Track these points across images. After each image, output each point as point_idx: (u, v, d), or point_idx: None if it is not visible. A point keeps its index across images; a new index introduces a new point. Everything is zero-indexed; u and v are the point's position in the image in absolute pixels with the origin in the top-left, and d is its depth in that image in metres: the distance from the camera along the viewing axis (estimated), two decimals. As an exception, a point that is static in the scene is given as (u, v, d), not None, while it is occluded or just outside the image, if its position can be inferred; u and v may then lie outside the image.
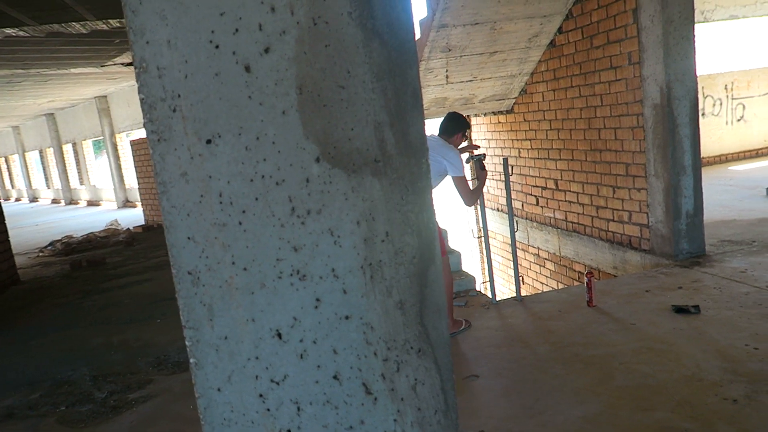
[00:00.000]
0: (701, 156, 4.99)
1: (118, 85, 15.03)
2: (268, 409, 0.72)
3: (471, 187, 3.97)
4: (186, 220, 0.69)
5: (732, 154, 10.42)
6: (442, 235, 4.01)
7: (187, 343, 0.72)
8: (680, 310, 3.89)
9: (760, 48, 10.51)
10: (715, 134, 10.18)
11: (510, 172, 4.60)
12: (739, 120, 10.47)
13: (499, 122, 7.85)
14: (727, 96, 10.33)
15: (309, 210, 0.71)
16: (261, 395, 0.72)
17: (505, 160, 4.56)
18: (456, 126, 4.01)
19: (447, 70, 6.33)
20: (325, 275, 0.74)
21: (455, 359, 3.65)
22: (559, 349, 3.60)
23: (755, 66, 10.45)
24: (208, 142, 0.69)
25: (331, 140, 0.72)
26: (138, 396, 3.75)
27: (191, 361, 0.73)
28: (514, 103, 7.38)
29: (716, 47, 9.96)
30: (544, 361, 3.46)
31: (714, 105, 10.27)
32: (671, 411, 2.73)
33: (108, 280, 7.34)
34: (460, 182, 3.85)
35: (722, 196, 7.37)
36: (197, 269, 0.71)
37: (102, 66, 11.19)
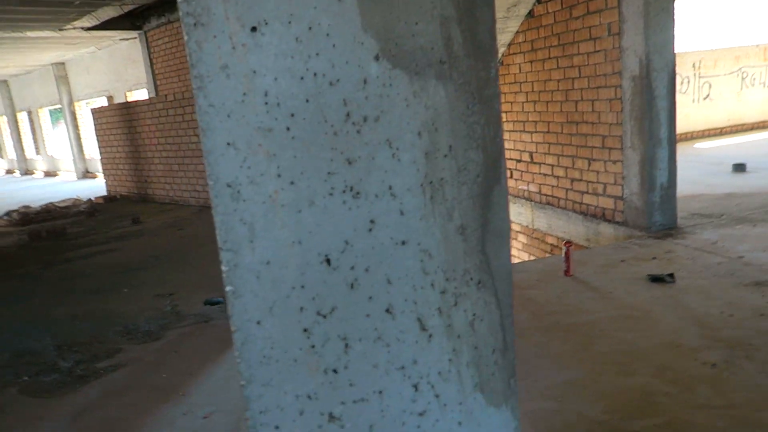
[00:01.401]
0: (674, 130, 5.03)
1: (77, 51, 14.37)
2: (313, 346, 0.63)
3: None
4: (226, 122, 0.59)
5: (698, 131, 10.64)
6: None
7: (223, 268, 0.62)
8: (656, 279, 3.93)
9: (727, 28, 10.69)
10: (682, 111, 10.34)
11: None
12: (705, 98, 10.67)
13: (474, 94, 7.79)
14: (695, 74, 10.51)
15: (366, 116, 0.62)
16: (305, 330, 0.63)
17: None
18: None
19: (424, 38, 6.21)
20: (381, 193, 0.64)
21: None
22: (539, 317, 3.60)
23: (722, 46, 10.64)
24: (253, 29, 0.58)
25: (393, 35, 0.63)
26: (107, 365, 3.61)
27: (227, 288, 0.63)
28: (489, 75, 7.31)
29: (686, 25, 10.08)
30: (525, 329, 3.46)
31: (682, 83, 10.42)
32: (652, 375, 2.75)
33: (70, 250, 7.07)
34: None
35: (690, 172, 7.51)
36: (238, 181, 0.60)
37: (60, 30, 10.64)
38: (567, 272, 4.24)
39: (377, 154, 0.63)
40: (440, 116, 0.65)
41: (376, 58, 0.61)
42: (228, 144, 0.60)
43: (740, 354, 2.85)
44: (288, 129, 0.62)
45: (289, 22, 0.60)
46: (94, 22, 10.08)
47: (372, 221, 0.65)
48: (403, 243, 0.67)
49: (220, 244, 0.63)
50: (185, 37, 0.58)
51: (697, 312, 3.39)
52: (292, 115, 0.62)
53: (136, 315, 4.44)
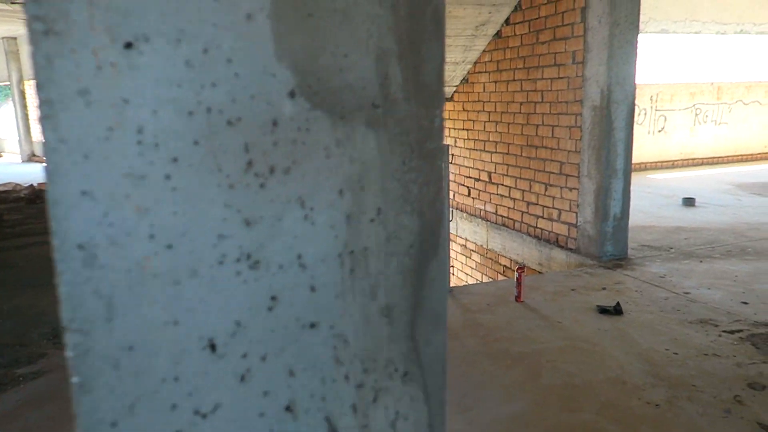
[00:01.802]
0: (630, 161, 5.08)
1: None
2: (188, 456, 0.49)
3: None
4: (82, 165, 0.43)
5: (651, 162, 10.90)
6: None
7: (68, 353, 0.47)
8: (604, 310, 3.93)
9: (684, 64, 11.01)
10: (638, 142, 10.55)
11: (450, 159, 4.48)
12: (660, 131, 10.95)
13: (437, 109, 7.75)
14: (652, 107, 10.77)
15: (273, 167, 0.49)
16: (178, 433, 0.48)
17: (447, 146, 4.42)
18: None
19: (391, 49, 6.12)
20: (287, 264, 0.51)
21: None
22: (488, 343, 3.53)
23: (679, 81, 10.96)
24: (128, 46, 0.43)
25: (315, 68, 0.50)
26: (27, 371, 3.35)
27: (74, 380, 0.48)
28: (454, 92, 7.28)
29: (645, 58, 10.33)
30: (473, 355, 3.38)
31: (639, 114, 10.67)
32: (596, 413, 2.70)
33: (3, 239, 6.65)
34: None
35: (642, 202, 7.64)
36: (94, 242, 0.45)
37: (12, 3, 10.11)
38: (518, 298, 4.19)
39: (285, 214, 0.49)
40: (369, 172, 0.52)
41: (291, 94, 0.47)
42: (83, 193, 0.45)
43: (683, 395, 2.84)
44: (168, 177, 0.46)
45: (179, 41, 0.45)
46: None
47: (273, 298, 0.50)
48: (312, 325, 0.52)
49: (65, 323, 0.48)
50: (30, 48, 0.43)
51: (643, 347, 3.37)
52: (175, 159, 0.46)
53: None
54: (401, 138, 0.52)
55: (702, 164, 11.28)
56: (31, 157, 15.89)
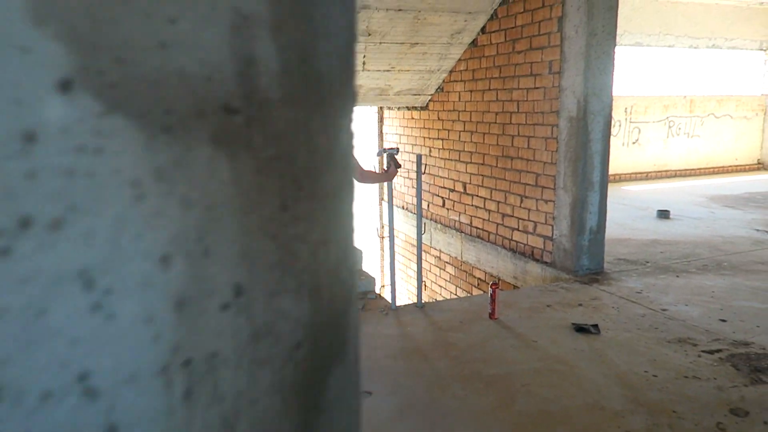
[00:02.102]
0: (607, 173, 4.98)
1: None
2: None
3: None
4: None
5: (625, 174, 10.91)
6: None
7: None
8: (580, 329, 3.79)
9: (657, 77, 11.08)
10: (612, 154, 10.52)
11: (424, 170, 4.32)
12: (634, 143, 10.98)
13: (413, 118, 7.61)
14: (626, 119, 10.80)
15: (27, 219, 0.27)
16: None
17: (419, 156, 4.27)
18: None
19: (365, 56, 5.97)
20: (58, 390, 0.29)
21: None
22: (460, 364, 3.36)
23: (653, 93, 11.01)
24: None
25: (112, 40, 0.29)
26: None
27: None
28: (429, 100, 7.15)
29: (621, 71, 10.35)
30: (444, 377, 3.20)
31: (614, 126, 10.68)
32: (574, 443, 2.54)
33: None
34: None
35: (617, 214, 7.58)
36: None
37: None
38: (492, 315, 4.04)
39: (54, 301, 0.28)
40: (218, 224, 0.32)
41: (64, 86, 0.26)
42: None
43: (663, 422, 2.70)
44: None
45: None
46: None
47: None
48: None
49: None
50: None
51: (621, 369, 3.24)
52: None
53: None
54: (279, 166, 0.31)
55: (675, 176, 11.34)
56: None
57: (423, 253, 7.74)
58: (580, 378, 3.15)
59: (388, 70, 6.32)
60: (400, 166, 3.78)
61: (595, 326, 3.79)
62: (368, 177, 3.68)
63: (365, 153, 8.72)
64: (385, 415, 2.84)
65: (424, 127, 7.36)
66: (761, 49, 11.84)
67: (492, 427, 2.68)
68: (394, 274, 4.38)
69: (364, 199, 9.22)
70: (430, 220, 7.44)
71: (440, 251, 7.31)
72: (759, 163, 12.31)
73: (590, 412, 2.79)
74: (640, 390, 2.99)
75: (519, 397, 2.94)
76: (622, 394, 2.96)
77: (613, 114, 10.59)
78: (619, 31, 9.51)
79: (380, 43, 5.76)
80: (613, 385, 3.05)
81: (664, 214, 7.51)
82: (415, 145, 7.57)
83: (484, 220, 6.32)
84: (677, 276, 4.94)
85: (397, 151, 4.01)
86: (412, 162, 7.62)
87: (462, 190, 6.69)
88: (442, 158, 7.02)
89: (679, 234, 6.54)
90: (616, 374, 3.17)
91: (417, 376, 3.22)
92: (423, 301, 4.39)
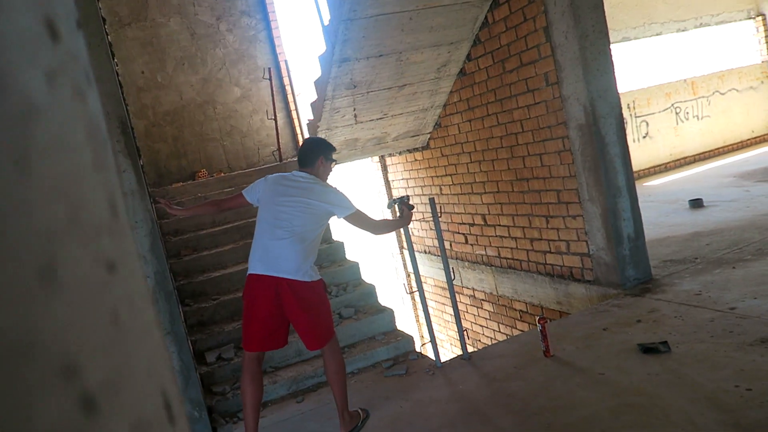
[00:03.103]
0: (633, 174, 4.67)
1: None
2: None
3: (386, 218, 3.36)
4: None
5: (643, 170, 10.55)
6: (326, 301, 3.26)
7: None
8: (648, 349, 3.41)
9: (653, 66, 10.84)
10: (625, 153, 10.26)
11: (439, 211, 4.05)
12: (644, 137, 10.65)
13: (416, 159, 7.40)
14: (631, 115, 10.51)
15: None
16: None
17: (432, 199, 4.00)
18: (315, 152, 3.27)
19: (355, 109, 5.80)
20: None
21: (404, 451, 2.94)
22: (526, 419, 2.99)
23: (652, 84, 10.75)
24: None
25: None
26: None
27: None
28: (429, 138, 6.95)
29: (616, 68, 10.18)
30: (512, 439, 2.84)
31: (620, 124, 10.39)
32: (683, 494, 2.16)
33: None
34: (357, 217, 3.18)
35: (648, 213, 7.19)
36: None
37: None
38: (547, 352, 3.68)
39: None
40: None
41: None
42: None
43: (778, 446, 2.30)
44: None
45: None
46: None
47: None
48: None
49: None
50: None
51: (708, 389, 2.85)
52: None
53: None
54: None
55: (694, 162, 10.95)
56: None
57: (456, 295, 7.40)
58: (665, 408, 2.76)
59: (381, 118, 6.15)
60: (413, 207, 3.53)
61: (664, 343, 3.40)
62: (383, 227, 3.42)
63: (373, 204, 8.48)
64: (457, 499, 2.48)
65: (429, 167, 7.13)
66: (750, 18, 11.59)
67: (582, 492, 2.30)
68: (432, 329, 4.05)
69: (384, 253, 8.93)
70: (456, 259, 7.12)
71: (473, 289, 6.96)
72: (777, 131, 11.88)
73: (690, 451, 2.41)
74: (738, 410, 2.60)
75: (603, 447, 2.57)
76: (718, 420, 2.57)
77: (617, 113, 10.33)
78: (603, 30, 9.34)
79: (368, 92, 5.60)
80: (706, 410, 2.66)
81: (696, 203, 7.11)
82: (424, 186, 7.33)
83: (512, 248, 5.99)
84: (733, 267, 4.55)
85: (408, 198, 3.75)
86: (425, 204, 7.37)
87: (483, 223, 6.38)
88: (454, 194, 6.76)
89: (719, 221, 6.14)
90: (704, 396, 2.79)
91: (482, 442, 2.86)
92: (469, 351, 4.04)
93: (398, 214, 3.64)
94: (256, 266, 3.06)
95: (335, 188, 3.21)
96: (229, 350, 4.29)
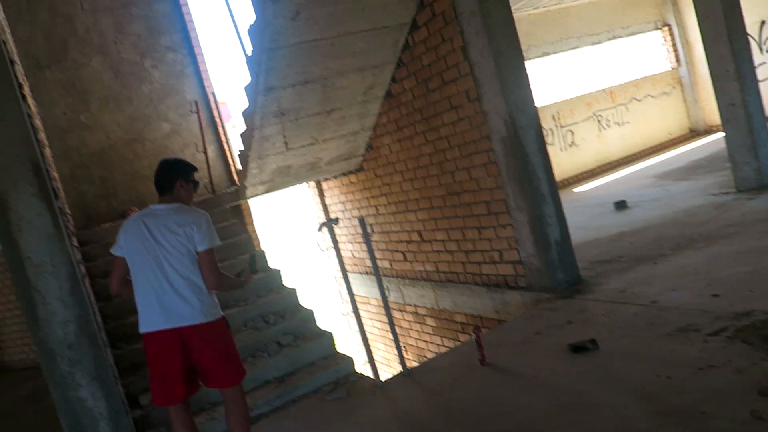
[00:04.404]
0: (552, 182, 4.85)
1: None
2: None
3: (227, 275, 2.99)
4: None
5: (571, 177, 10.97)
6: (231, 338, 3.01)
7: None
8: (578, 348, 3.53)
9: (574, 78, 11.35)
10: (554, 161, 10.53)
11: (370, 231, 4.08)
12: (571, 145, 11.11)
13: (351, 182, 7.45)
14: (556, 125, 10.95)
15: None
16: None
17: (361, 219, 4.04)
18: (170, 174, 2.96)
19: (285, 136, 5.81)
20: None
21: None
22: (466, 430, 3.03)
23: (574, 95, 11.25)
24: None
25: None
26: None
27: None
28: (362, 160, 7.02)
29: (537, 82, 10.56)
30: (452, 450, 2.86)
31: (547, 135, 10.80)
32: (611, 485, 2.23)
33: None
34: (211, 257, 2.84)
35: (577, 218, 7.49)
36: None
37: None
38: (483, 361, 3.75)
39: None
40: None
41: None
42: None
43: (696, 426, 2.42)
44: None
45: None
46: None
47: None
48: None
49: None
50: None
51: (634, 382, 2.97)
52: None
53: None
54: None
55: (618, 166, 11.48)
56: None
57: (399, 313, 7.44)
58: (596, 406, 2.86)
59: (312, 144, 6.17)
60: (256, 272, 3.18)
61: (593, 341, 3.53)
62: (225, 281, 2.96)
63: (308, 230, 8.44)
64: None
65: (364, 188, 7.20)
66: (657, 28, 12.34)
67: (518, 494, 2.35)
68: (370, 349, 4.05)
69: (328, 277, 8.88)
70: (398, 277, 7.17)
71: (416, 306, 7.01)
72: (691, 131, 12.62)
73: (617, 442, 2.50)
74: (661, 399, 2.73)
75: (538, 448, 2.63)
76: (644, 410, 2.68)
77: (543, 123, 10.75)
78: (523, 46, 9.77)
79: (296, 119, 5.62)
80: (632, 403, 2.78)
81: (621, 205, 7.45)
82: (361, 207, 7.38)
83: (449, 262, 6.09)
84: (655, 263, 4.78)
85: (337, 221, 3.78)
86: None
87: (419, 239, 6.47)
88: (390, 213, 6.83)
89: (642, 220, 6.46)
90: (630, 389, 2.90)
91: (423, 456, 2.87)
92: (408, 367, 4.06)
93: (243, 271, 3.18)
94: (151, 321, 2.78)
95: (203, 213, 2.90)
96: (167, 390, 4.16)
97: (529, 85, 4.61)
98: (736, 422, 2.37)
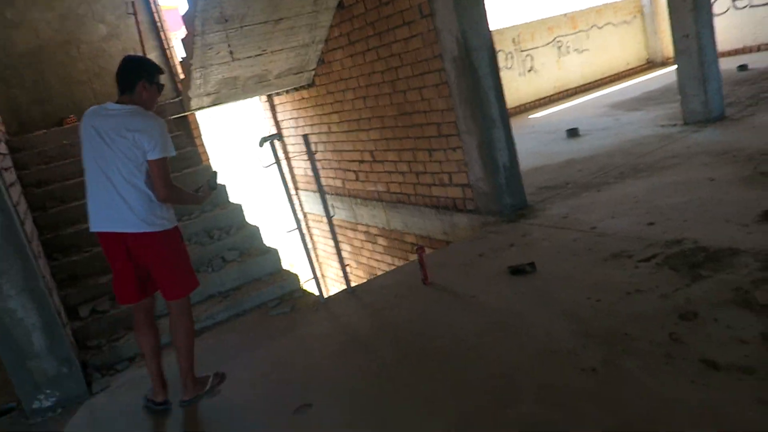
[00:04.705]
0: (505, 106, 4.79)
1: None
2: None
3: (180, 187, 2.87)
4: None
5: (528, 103, 10.94)
6: (181, 249, 2.92)
7: None
8: (516, 271, 3.61)
9: (536, 1, 11.09)
10: (512, 86, 10.57)
11: (314, 149, 3.98)
12: (529, 71, 10.99)
13: (303, 98, 7.20)
14: (516, 49, 10.77)
15: None
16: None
17: (305, 137, 3.91)
18: (133, 73, 2.75)
19: (229, 45, 5.49)
20: None
21: (280, 385, 2.97)
22: (404, 345, 3.10)
23: (535, 18, 11.01)
24: None
25: None
26: None
27: None
28: (314, 75, 6.76)
29: (498, 2, 10.27)
30: (389, 366, 2.94)
31: (506, 59, 10.64)
32: (535, 401, 2.34)
33: None
34: (163, 165, 2.68)
35: (528, 144, 7.52)
36: None
37: None
38: (425, 281, 3.80)
39: None
40: None
41: None
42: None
43: (617, 349, 2.54)
44: None
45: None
46: None
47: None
48: None
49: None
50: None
51: (566, 303, 3.07)
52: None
53: None
54: None
55: (576, 94, 11.48)
56: None
57: (352, 232, 7.46)
58: (527, 324, 2.95)
59: (260, 54, 5.87)
60: (215, 188, 3.07)
61: (531, 264, 3.61)
62: (177, 192, 2.82)
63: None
64: (332, 427, 2.54)
65: (317, 105, 6.98)
66: (624, -48, 12.04)
67: (448, 409, 2.43)
68: (313, 265, 4.04)
69: (275, 193, 8.73)
70: (350, 196, 7.13)
71: (368, 225, 7.03)
72: (648, 62, 12.66)
73: (545, 360, 2.59)
74: (588, 321, 2.83)
75: (469, 366, 2.71)
76: (572, 330, 2.78)
77: (503, 46, 10.55)
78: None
79: (241, 27, 5.29)
80: (561, 323, 2.87)
81: (573, 133, 7.50)
82: (313, 125, 7.18)
83: (400, 183, 6.06)
84: (598, 191, 4.87)
85: (281, 137, 3.64)
86: (314, 143, 7.24)
87: (371, 159, 6.39)
88: (342, 131, 6.68)
89: (591, 149, 6.52)
90: (561, 310, 3.00)
91: (361, 371, 2.93)
92: (353, 285, 4.09)
93: (201, 187, 3.08)
94: (97, 222, 2.72)
95: (158, 120, 2.73)
96: (104, 303, 4.08)
97: (483, 3, 4.42)
98: (656, 344, 2.48)
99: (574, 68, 11.55)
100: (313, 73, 6.70)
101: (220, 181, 5.86)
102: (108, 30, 7.19)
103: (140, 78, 2.75)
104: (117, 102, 2.76)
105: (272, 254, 4.64)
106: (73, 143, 5.71)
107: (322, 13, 5.72)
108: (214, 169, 3.02)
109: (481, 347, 2.85)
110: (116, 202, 2.67)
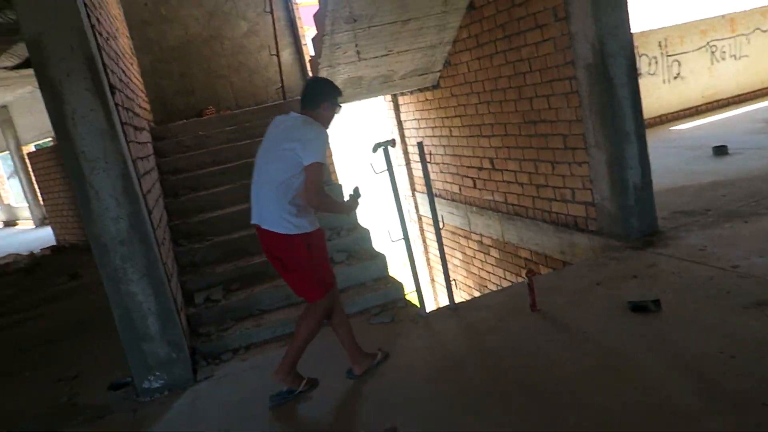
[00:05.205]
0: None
1: (15, 93, 13.54)
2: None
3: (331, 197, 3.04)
4: None
5: (671, 113, 10.02)
6: (324, 249, 3.11)
7: None
8: (638, 307, 3.25)
9: (688, 0, 10.09)
10: (654, 94, 9.74)
11: (428, 157, 3.86)
12: (675, 77, 10.05)
13: (427, 99, 7.10)
14: (662, 53, 9.88)
15: None
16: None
17: (420, 144, 3.80)
18: (319, 94, 2.93)
19: (357, 45, 5.52)
20: None
21: (372, 401, 2.90)
22: (499, 375, 2.90)
23: (686, 20, 10.03)
24: None
25: None
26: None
27: None
28: (439, 77, 6.63)
29: (645, 2, 9.48)
30: (479, 395, 2.76)
31: (650, 64, 9.81)
32: (641, 466, 2.05)
33: (-10, 320, 6.27)
34: (316, 172, 2.76)
35: (667, 160, 6.86)
36: None
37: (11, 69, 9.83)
38: (533, 306, 3.55)
39: None
40: None
41: None
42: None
43: (751, 420, 2.16)
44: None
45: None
46: (16, 61, 9.28)
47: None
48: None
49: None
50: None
51: (691, 354, 2.70)
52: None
53: (24, 411, 3.68)
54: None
55: (728, 105, 10.34)
56: (43, 221, 15.74)
57: (464, 240, 7.26)
58: (642, 373, 2.63)
59: (386, 55, 5.85)
60: (360, 196, 3.09)
61: (656, 302, 3.23)
62: (327, 201, 2.98)
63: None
64: (413, 457, 2.43)
65: (440, 107, 6.85)
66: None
67: (538, 458, 2.22)
68: (417, 277, 3.93)
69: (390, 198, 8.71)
70: (466, 204, 6.94)
71: (481, 235, 6.80)
72: (822, 72, 11.07)
73: (656, 420, 2.28)
74: (718, 380, 2.46)
75: (568, 412, 2.46)
76: (696, 388, 2.43)
77: (647, 51, 9.76)
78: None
79: (369, 27, 5.29)
80: (683, 378, 2.53)
81: (720, 150, 6.72)
82: (435, 127, 7.06)
83: (518, 195, 5.77)
84: (746, 222, 4.29)
85: (394, 143, 3.57)
86: (435, 146, 7.14)
87: (490, 167, 6.15)
88: (463, 136, 6.50)
89: (740, 170, 5.79)
90: (685, 362, 2.64)
91: (450, 397, 2.78)
92: (455, 302, 3.94)
93: (347, 195, 3.16)
94: (253, 215, 2.97)
95: (321, 131, 2.85)
96: (218, 292, 4.26)
97: (626, 5, 4.03)
98: (802, 420, 2.08)
99: (729, 76, 10.39)
100: (438, 74, 6.58)
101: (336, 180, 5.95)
102: (248, 26, 7.57)
103: (325, 100, 2.95)
104: (299, 112, 2.96)
105: (380, 259, 4.60)
106: (209, 134, 6.07)
107: (451, 14, 5.57)
108: (355, 185, 3.11)
109: (583, 392, 2.58)
110: (263, 199, 2.89)
